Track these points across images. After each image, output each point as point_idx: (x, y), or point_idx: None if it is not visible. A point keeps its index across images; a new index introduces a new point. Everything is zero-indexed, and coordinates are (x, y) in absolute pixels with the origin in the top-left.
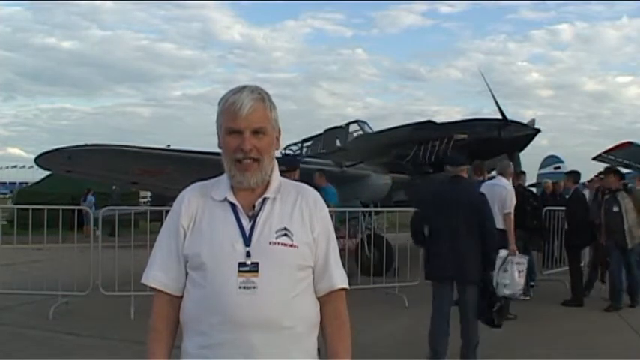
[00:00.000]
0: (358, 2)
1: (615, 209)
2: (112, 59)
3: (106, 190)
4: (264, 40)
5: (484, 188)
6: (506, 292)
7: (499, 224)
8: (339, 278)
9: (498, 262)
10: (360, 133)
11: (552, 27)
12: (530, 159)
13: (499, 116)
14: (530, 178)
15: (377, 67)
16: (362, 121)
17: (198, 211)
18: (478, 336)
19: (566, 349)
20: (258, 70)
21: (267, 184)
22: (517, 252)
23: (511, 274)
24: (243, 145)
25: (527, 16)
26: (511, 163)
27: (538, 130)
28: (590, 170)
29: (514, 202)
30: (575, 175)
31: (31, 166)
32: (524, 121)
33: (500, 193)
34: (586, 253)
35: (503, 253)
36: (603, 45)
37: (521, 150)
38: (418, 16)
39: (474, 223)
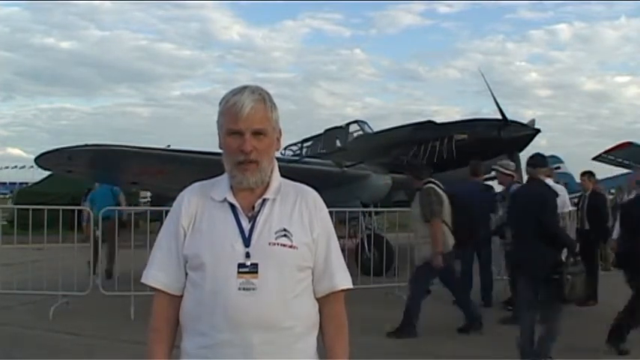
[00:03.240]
0: (357, 2)
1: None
2: (110, 59)
3: None
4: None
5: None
6: None
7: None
8: (341, 279)
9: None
10: (360, 133)
11: (551, 27)
12: None
13: (499, 116)
14: None
15: (376, 67)
16: (362, 121)
17: (198, 212)
18: (556, 330)
19: (566, 348)
20: (258, 70)
21: (267, 184)
22: None
23: None
24: (243, 146)
25: (525, 16)
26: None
27: (538, 130)
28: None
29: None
30: (591, 174)
31: (31, 166)
32: (524, 121)
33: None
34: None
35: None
36: (602, 45)
37: (521, 150)
38: (416, 16)
39: (541, 223)
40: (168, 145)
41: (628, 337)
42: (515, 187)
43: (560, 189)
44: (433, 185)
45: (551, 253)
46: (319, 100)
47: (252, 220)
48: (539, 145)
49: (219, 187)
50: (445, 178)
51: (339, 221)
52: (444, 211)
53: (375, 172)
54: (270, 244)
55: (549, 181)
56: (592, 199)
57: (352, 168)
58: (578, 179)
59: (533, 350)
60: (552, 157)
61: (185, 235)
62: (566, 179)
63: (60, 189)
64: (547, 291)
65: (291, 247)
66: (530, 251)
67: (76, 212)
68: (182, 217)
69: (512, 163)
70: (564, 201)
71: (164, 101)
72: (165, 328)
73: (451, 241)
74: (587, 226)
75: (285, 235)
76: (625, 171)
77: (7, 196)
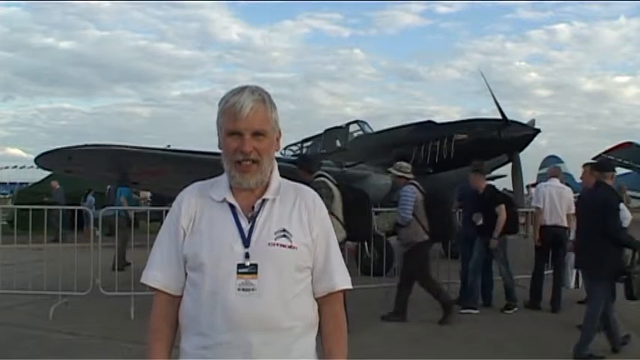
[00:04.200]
0: (356, 2)
1: None
2: (110, 59)
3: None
4: (263, 40)
5: (553, 189)
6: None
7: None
8: (340, 280)
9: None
10: (360, 133)
11: (550, 27)
12: (531, 159)
13: (499, 116)
14: (530, 178)
15: (375, 67)
16: (362, 121)
17: (198, 212)
18: (591, 327)
19: (566, 348)
20: (257, 70)
21: (267, 185)
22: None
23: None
24: (243, 147)
25: (524, 15)
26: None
27: (538, 130)
28: None
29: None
30: None
31: (31, 166)
32: (524, 121)
33: (568, 196)
34: None
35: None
36: (601, 45)
37: (521, 150)
38: (416, 16)
39: (602, 225)
40: (169, 145)
41: (629, 339)
42: (409, 188)
43: (567, 191)
44: (324, 179)
45: (617, 254)
46: (319, 100)
47: (252, 220)
48: (539, 145)
49: (219, 187)
50: (445, 178)
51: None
52: (334, 205)
53: (375, 172)
54: (269, 244)
55: (556, 182)
56: None
57: (352, 168)
58: (578, 179)
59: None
60: (552, 157)
61: (185, 235)
62: (566, 179)
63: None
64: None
65: (290, 247)
66: (597, 253)
67: (76, 212)
68: (181, 217)
69: (405, 165)
70: (570, 199)
71: (163, 101)
72: (165, 328)
73: (341, 235)
74: None
75: (284, 236)
76: (625, 171)
77: (7, 196)
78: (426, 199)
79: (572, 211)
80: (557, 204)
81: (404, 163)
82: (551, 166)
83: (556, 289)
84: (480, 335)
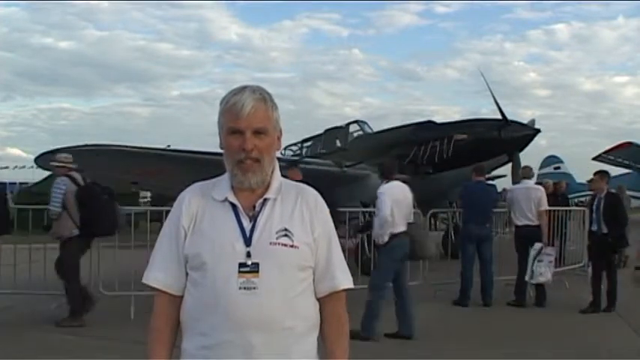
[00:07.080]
0: (354, 2)
1: None
2: (109, 59)
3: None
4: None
5: (520, 191)
6: (541, 279)
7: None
8: (342, 279)
9: (533, 253)
10: (360, 133)
11: (549, 27)
12: (530, 159)
13: (499, 116)
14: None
15: (374, 67)
16: (362, 121)
17: (199, 211)
18: None
19: (566, 348)
20: (256, 70)
21: (268, 184)
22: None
23: (546, 264)
24: (244, 145)
25: (523, 16)
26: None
27: (538, 130)
28: (590, 170)
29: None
30: (606, 175)
31: (31, 166)
32: (524, 121)
33: (535, 194)
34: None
35: (537, 246)
36: (600, 45)
37: (521, 150)
38: (414, 16)
39: None
40: (169, 145)
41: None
42: (61, 179)
43: (536, 189)
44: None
45: None
46: (318, 100)
47: (253, 219)
48: (539, 145)
49: (220, 186)
50: (445, 178)
51: (339, 221)
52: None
53: (375, 172)
54: (271, 243)
55: (529, 182)
56: (608, 200)
57: (352, 168)
58: (578, 179)
59: None
60: (552, 157)
61: (186, 235)
62: (566, 179)
63: None
64: None
65: (292, 246)
66: None
67: None
68: (183, 217)
69: (65, 155)
70: (540, 198)
71: (163, 101)
72: (166, 328)
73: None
74: (604, 230)
75: (286, 235)
76: (625, 171)
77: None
78: (80, 191)
79: (542, 208)
80: (524, 205)
81: (63, 154)
82: (522, 167)
83: (539, 285)
84: (481, 333)
